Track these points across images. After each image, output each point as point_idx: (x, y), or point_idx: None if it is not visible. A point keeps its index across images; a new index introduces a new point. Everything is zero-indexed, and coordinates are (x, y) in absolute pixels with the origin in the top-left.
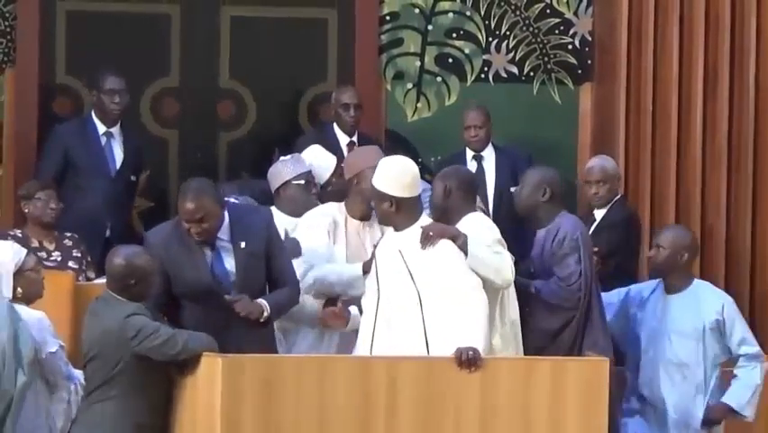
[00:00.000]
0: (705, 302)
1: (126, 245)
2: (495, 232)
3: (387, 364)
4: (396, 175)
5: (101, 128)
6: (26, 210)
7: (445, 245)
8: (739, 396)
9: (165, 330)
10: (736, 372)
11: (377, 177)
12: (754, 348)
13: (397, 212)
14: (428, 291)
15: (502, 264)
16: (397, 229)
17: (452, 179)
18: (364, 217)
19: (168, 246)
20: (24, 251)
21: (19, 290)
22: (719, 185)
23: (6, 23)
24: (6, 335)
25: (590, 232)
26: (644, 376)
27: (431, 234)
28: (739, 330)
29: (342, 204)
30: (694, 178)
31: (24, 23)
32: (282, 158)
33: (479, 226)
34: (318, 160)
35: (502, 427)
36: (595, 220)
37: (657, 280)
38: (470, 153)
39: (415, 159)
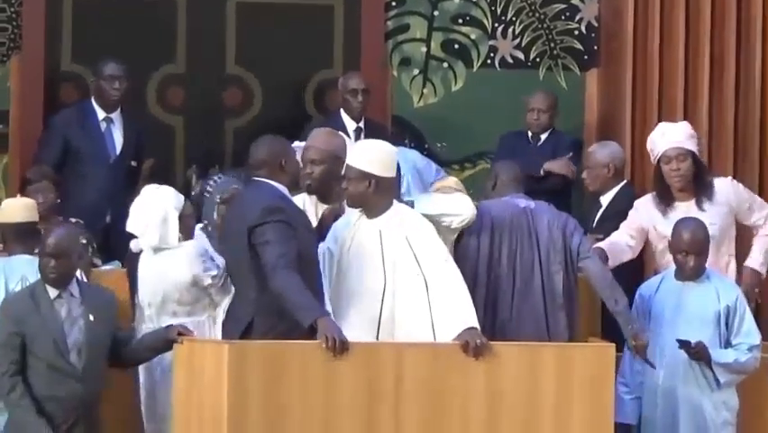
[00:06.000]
0: (722, 289)
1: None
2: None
3: (393, 350)
4: (378, 154)
5: (100, 114)
6: None
7: (423, 225)
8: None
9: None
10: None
11: (356, 156)
12: (757, 339)
13: (375, 193)
14: (433, 276)
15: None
16: (370, 213)
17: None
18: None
19: None
20: (182, 197)
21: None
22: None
23: (12, 10)
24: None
25: (596, 219)
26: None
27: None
28: (748, 322)
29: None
30: None
31: (30, 10)
32: (296, 144)
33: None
34: None
35: (508, 413)
36: (601, 207)
37: (664, 272)
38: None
39: (421, 145)
